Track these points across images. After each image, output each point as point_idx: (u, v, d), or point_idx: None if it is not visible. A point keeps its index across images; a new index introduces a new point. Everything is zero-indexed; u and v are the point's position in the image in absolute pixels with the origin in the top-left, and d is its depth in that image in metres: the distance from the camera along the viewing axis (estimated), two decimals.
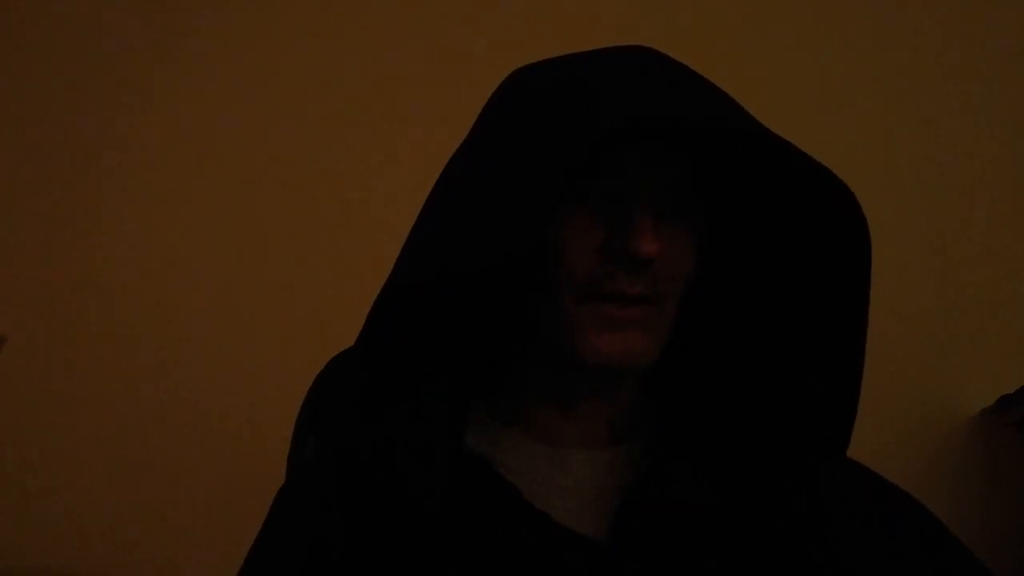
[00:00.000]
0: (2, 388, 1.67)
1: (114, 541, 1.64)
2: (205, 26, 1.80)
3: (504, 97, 0.77)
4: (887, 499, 0.78)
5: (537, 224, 0.66)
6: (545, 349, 0.74)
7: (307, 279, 1.71)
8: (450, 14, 1.78)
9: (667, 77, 0.72)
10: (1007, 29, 1.74)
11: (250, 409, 1.66)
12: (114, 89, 1.79)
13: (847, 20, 1.75)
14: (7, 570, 1.64)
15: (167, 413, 1.68)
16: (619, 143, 0.70)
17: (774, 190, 0.77)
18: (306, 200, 1.74)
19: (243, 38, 1.80)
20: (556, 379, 0.75)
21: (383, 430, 0.74)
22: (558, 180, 0.66)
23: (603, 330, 0.70)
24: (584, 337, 0.71)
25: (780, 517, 0.73)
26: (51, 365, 1.70)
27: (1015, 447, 1.60)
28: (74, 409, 1.69)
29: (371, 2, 1.80)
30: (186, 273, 1.73)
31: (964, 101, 1.72)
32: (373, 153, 1.75)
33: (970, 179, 1.70)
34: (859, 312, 0.75)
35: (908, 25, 1.75)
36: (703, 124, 0.71)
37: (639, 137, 0.70)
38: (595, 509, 0.73)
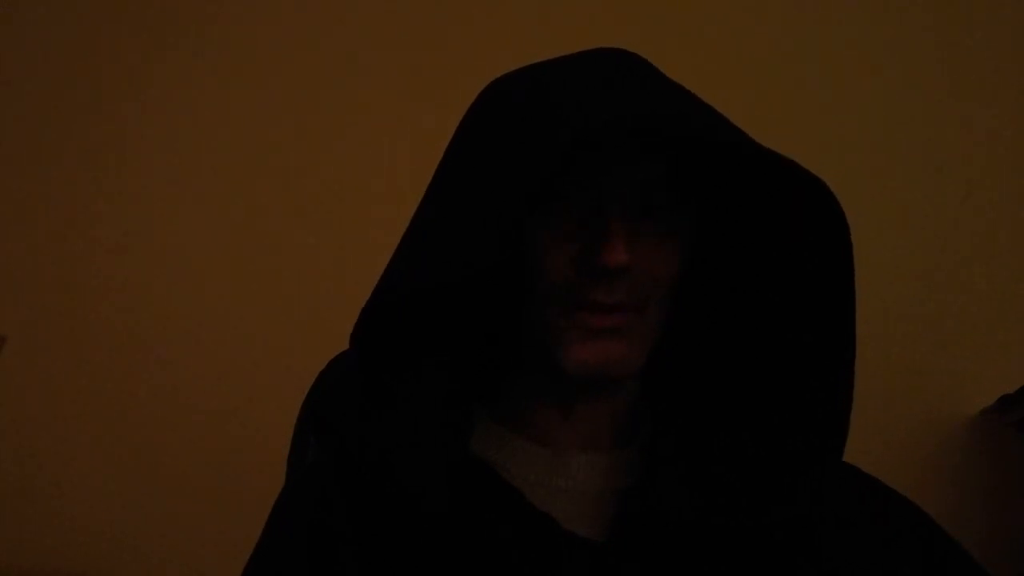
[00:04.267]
0: (2, 388, 1.68)
1: (114, 541, 1.64)
2: (205, 26, 1.81)
3: (478, 108, 0.77)
4: (883, 504, 0.78)
5: (500, 239, 0.66)
6: (537, 357, 0.74)
7: (308, 279, 1.71)
8: (452, 15, 1.78)
9: (633, 81, 0.71)
10: (1006, 28, 1.74)
11: (250, 408, 1.66)
12: (114, 89, 1.79)
13: (844, 18, 1.76)
14: (7, 570, 1.64)
15: (167, 413, 1.68)
16: (590, 150, 0.69)
17: (756, 190, 0.77)
18: (306, 200, 1.74)
19: (243, 39, 1.80)
20: (553, 384, 0.76)
21: (385, 432, 0.74)
22: (522, 195, 0.66)
23: (583, 340, 0.70)
24: (565, 347, 0.71)
25: (775, 523, 0.72)
26: (51, 365, 1.70)
27: (1015, 447, 1.60)
28: (74, 409, 1.69)
29: (373, 5, 1.80)
30: (186, 273, 1.73)
31: (964, 100, 1.72)
32: (374, 153, 1.75)
33: (970, 179, 1.70)
34: (846, 311, 0.74)
35: (906, 24, 1.75)
36: (663, 127, 0.70)
37: (608, 143, 0.70)
38: (594, 512, 0.74)
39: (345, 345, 0.91)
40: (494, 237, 0.66)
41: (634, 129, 0.69)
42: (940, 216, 1.69)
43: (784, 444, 0.76)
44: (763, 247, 0.78)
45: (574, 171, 0.70)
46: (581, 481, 0.75)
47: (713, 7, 1.77)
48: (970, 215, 1.69)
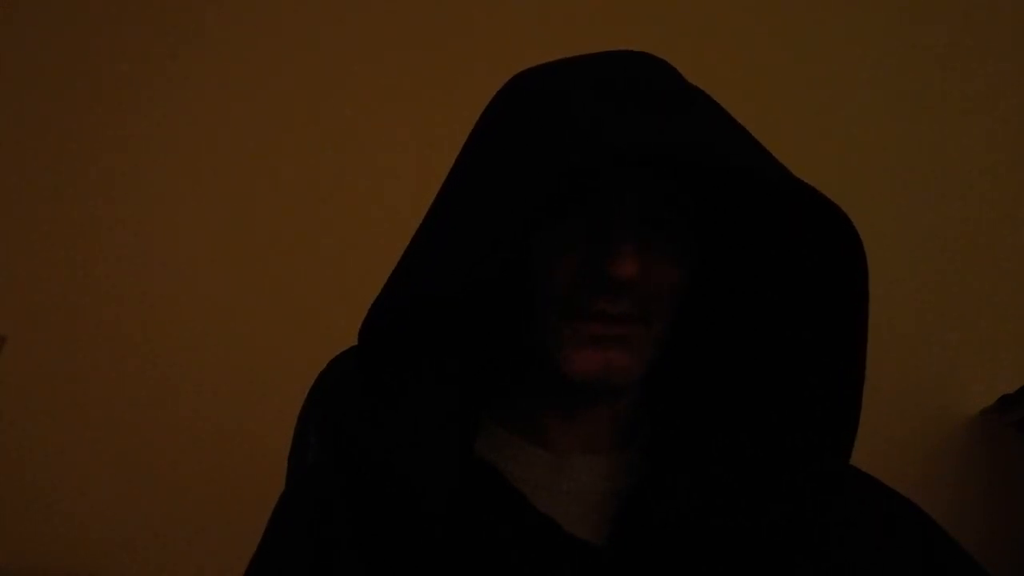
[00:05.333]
0: (2, 388, 1.67)
1: (114, 541, 1.64)
2: (206, 27, 1.80)
3: (496, 111, 0.77)
4: (883, 504, 0.78)
5: (503, 254, 0.66)
6: (541, 363, 0.74)
7: (308, 279, 1.71)
8: (456, 15, 1.78)
9: (652, 98, 0.71)
10: (1008, 28, 1.74)
11: (250, 408, 1.65)
12: (114, 90, 1.79)
13: (848, 18, 1.76)
14: (7, 570, 1.64)
15: (167, 413, 1.68)
16: (603, 171, 0.70)
17: (765, 201, 0.77)
18: (307, 200, 1.74)
19: (244, 40, 1.80)
20: (555, 389, 0.76)
21: (387, 433, 0.74)
22: (529, 212, 0.66)
23: (585, 347, 0.71)
24: (566, 355, 0.71)
25: (777, 526, 0.72)
26: (51, 365, 1.70)
27: (1015, 447, 1.60)
28: (74, 409, 1.69)
29: (375, 4, 1.80)
30: (186, 273, 1.73)
31: (964, 100, 1.72)
32: (375, 153, 1.75)
33: (970, 179, 1.70)
34: (859, 321, 0.74)
35: (909, 24, 1.75)
36: (678, 155, 0.70)
37: (621, 166, 0.70)
38: (595, 515, 0.74)
39: (345, 346, 0.91)
40: (497, 252, 0.66)
41: (648, 156, 0.69)
42: (940, 216, 1.69)
43: (782, 444, 0.76)
44: (763, 246, 0.78)
45: (585, 187, 0.70)
46: (583, 483, 0.75)
47: (714, 11, 1.76)
48: (970, 215, 1.69)
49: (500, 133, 0.75)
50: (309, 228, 1.73)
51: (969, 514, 1.59)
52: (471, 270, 0.68)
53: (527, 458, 0.76)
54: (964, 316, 1.66)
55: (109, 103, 1.78)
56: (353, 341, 0.77)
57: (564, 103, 0.71)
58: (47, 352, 1.70)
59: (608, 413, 0.77)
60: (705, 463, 0.76)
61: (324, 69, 1.78)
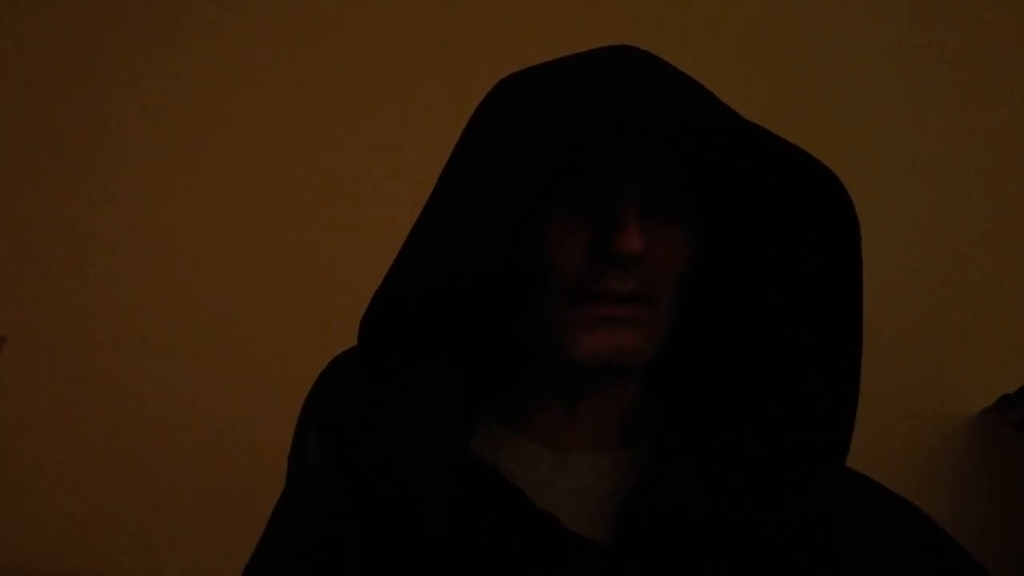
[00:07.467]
0: (2, 388, 1.67)
1: (115, 541, 1.64)
2: (205, 27, 1.80)
3: (487, 105, 0.78)
4: (884, 505, 0.78)
5: (507, 237, 0.66)
6: (544, 353, 0.74)
7: (309, 280, 1.71)
8: (454, 14, 1.78)
9: (643, 75, 0.71)
10: (1008, 26, 1.73)
11: (251, 408, 1.66)
12: (114, 89, 1.79)
13: (846, 16, 1.76)
14: (7, 570, 1.64)
15: (167, 413, 1.68)
16: (598, 144, 0.70)
17: (765, 188, 0.77)
18: (307, 200, 1.74)
19: (244, 39, 1.80)
20: (557, 383, 0.76)
21: (387, 433, 0.74)
22: (525, 190, 0.66)
23: (594, 329, 0.71)
24: (575, 337, 0.71)
25: (781, 524, 0.72)
26: (51, 365, 1.70)
27: (1015, 447, 1.60)
28: (74, 409, 1.69)
29: (372, 5, 1.80)
30: (186, 273, 1.73)
31: (964, 100, 1.72)
32: (374, 153, 1.75)
33: (970, 178, 1.70)
34: (854, 312, 0.74)
35: (908, 22, 1.75)
36: (672, 120, 0.70)
37: (616, 137, 0.70)
38: (598, 513, 0.74)
39: (346, 346, 0.91)
40: (499, 233, 0.66)
41: (640, 122, 0.70)
42: (940, 216, 1.69)
43: (785, 442, 0.76)
44: (764, 245, 0.78)
45: (586, 169, 0.70)
46: (585, 482, 0.75)
47: (718, 10, 1.77)
48: (970, 215, 1.69)
49: (494, 125, 0.75)
50: (310, 228, 1.73)
51: (969, 514, 1.59)
52: (471, 259, 0.68)
53: (527, 456, 0.76)
54: (964, 316, 1.66)
55: (109, 103, 1.78)
56: (353, 341, 0.77)
57: (556, 90, 0.71)
58: (47, 352, 1.70)
59: (611, 409, 0.77)
60: (709, 461, 0.76)
61: (324, 68, 1.78)
